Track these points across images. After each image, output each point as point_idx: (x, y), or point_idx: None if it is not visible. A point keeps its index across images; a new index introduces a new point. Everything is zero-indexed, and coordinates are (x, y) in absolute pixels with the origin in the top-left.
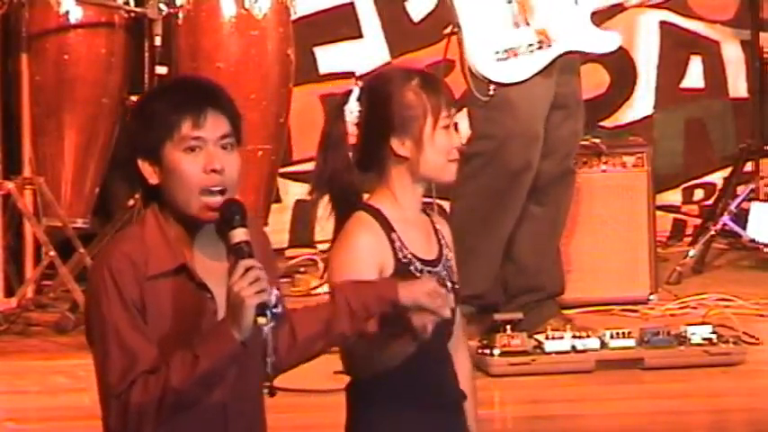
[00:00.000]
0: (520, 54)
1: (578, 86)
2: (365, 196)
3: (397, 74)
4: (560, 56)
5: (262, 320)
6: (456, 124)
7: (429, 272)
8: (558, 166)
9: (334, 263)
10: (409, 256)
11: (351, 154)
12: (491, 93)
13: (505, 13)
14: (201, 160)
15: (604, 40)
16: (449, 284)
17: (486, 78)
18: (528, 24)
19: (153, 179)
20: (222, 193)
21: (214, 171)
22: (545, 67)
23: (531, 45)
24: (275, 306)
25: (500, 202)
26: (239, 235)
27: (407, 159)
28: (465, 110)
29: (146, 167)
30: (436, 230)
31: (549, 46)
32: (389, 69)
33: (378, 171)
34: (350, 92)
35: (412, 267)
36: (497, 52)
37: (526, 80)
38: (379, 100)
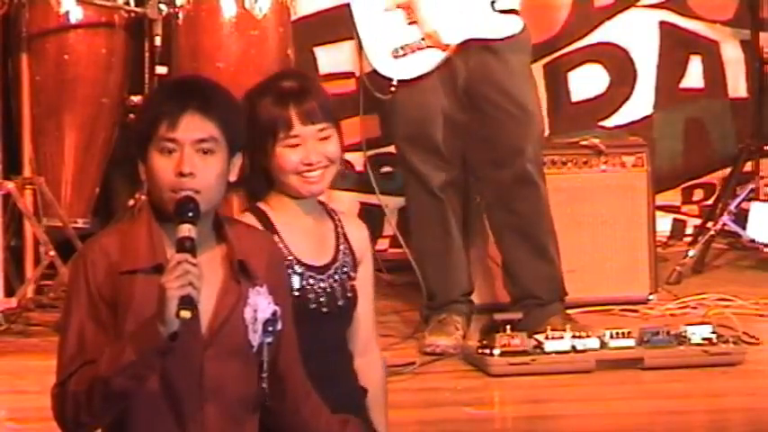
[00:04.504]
0: (417, 49)
1: (520, 90)
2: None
3: (255, 89)
4: (459, 45)
5: (185, 314)
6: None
7: (311, 277)
8: (509, 175)
9: None
10: (291, 258)
11: None
12: (393, 90)
13: (399, 15)
14: (174, 162)
15: (505, 25)
16: (339, 291)
17: (384, 76)
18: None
19: (143, 178)
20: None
21: (182, 174)
22: (445, 59)
23: (424, 40)
24: (274, 322)
25: (419, 201)
26: (183, 230)
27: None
28: None
29: (140, 166)
30: (338, 236)
31: (444, 44)
32: (259, 82)
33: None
34: None
35: (291, 270)
36: (396, 50)
37: (427, 74)
38: (248, 114)
